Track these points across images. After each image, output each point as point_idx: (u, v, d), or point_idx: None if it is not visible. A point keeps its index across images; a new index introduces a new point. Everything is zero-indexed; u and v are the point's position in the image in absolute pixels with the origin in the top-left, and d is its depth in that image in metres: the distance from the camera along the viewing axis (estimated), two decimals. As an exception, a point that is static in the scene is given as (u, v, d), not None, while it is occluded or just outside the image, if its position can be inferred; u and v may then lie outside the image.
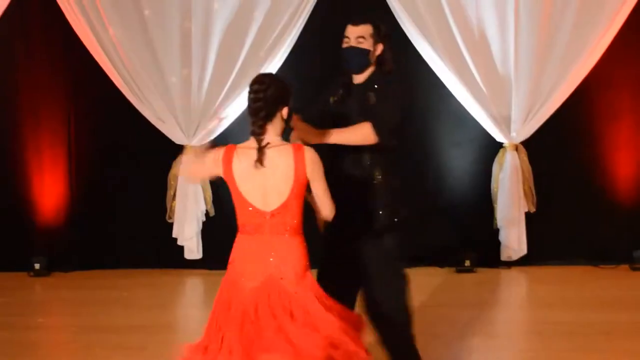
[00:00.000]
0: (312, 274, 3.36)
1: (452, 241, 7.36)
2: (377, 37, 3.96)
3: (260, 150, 3.24)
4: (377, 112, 3.80)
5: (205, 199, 7.45)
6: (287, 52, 7.29)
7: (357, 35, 3.92)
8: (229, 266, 3.41)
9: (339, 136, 3.78)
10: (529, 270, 7.30)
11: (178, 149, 7.43)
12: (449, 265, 7.35)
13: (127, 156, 7.56)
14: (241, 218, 3.35)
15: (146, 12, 7.29)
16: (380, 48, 3.97)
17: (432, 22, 7.19)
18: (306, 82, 7.43)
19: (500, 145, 7.37)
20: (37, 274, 7.42)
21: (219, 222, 7.51)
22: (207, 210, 7.48)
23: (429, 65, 7.26)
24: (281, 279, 3.25)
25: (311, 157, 3.28)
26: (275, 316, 3.18)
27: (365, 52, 3.92)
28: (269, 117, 3.29)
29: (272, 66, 7.27)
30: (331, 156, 3.87)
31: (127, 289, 6.95)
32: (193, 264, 7.51)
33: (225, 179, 3.32)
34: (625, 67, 7.39)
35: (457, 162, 7.50)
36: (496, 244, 7.37)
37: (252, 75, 7.49)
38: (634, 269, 7.27)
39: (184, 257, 7.48)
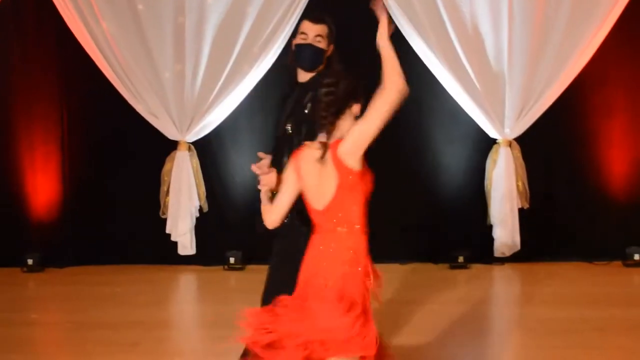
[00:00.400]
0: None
1: (446, 237, 7.37)
2: (331, 38, 3.95)
3: (326, 145, 3.20)
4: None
5: (198, 194, 7.44)
6: (281, 48, 7.27)
7: (316, 33, 3.90)
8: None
9: None
10: (523, 267, 7.31)
11: (172, 145, 7.42)
12: (443, 261, 7.36)
13: (121, 152, 7.54)
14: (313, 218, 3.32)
15: (140, 6, 7.27)
16: (330, 49, 3.96)
17: (426, 18, 7.19)
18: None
19: (493, 142, 7.38)
20: (31, 269, 7.40)
21: (213, 218, 7.51)
22: (200, 206, 7.47)
23: (423, 61, 7.26)
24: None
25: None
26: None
27: (321, 52, 3.90)
28: (340, 113, 3.24)
29: (266, 62, 7.26)
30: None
31: (120, 285, 6.94)
32: (187, 260, 7.50)
33: (299, 182, 3.32)
34: (619, 65, 7.40)
35: (451, 158, 7.51)
36: (490, 240, 7.37)
37: (245, 70, 7.57)
38: (627, 265, 7.29)
39: (178, 253, 7.47)
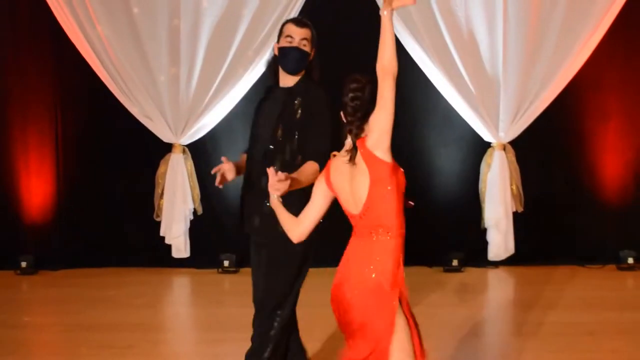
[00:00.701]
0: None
1: (440, 241, 7.38)
2: (314, 42, 3.93)
3: (355, 149, 3.18)
4: (312, 142, 3.76)
5: (193, 197, 7.43)
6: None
7: (302, 37, 3.87)
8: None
9: (301, 180, 3.58)
10: (516, 270, 7.32)
11: (166, 147, 7.42)
12: (437, 264, 7.37)
13: (115, 155, 7.53)
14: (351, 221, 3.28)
15: (135, 10, 7.27)
16: (313, 53, 3.93)
17: (421, 22, 7.21)
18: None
19: (488, 145, 7.39)
20: (24, 272, 7.39)
21: (207, 220, 7.50)
22: (195, 209, 7.47)
23: (418, 64, 7.27)
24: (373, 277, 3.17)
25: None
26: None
27: (307, 55, 3.89)
28: (366, 117, 3.21)
29: (261, 65, 7.26)
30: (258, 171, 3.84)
31: (114, 288, 6.93)
32: (181, 263, 7.50)
33: (331, 190, 3.30)
34: (613, 69, 7.42)
35: (445, 161, 7.52)
36: (484, 244, 7.39)
37: (240, 74, 7.58)
38: (621, 269, 7.30)
39: (172, 256, 7.46)
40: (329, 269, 3.49)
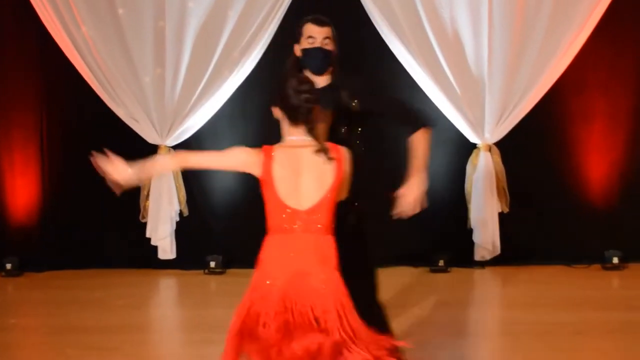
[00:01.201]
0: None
1: (426, 241, 7.39)
2: (335, 39, 3.90)
3: (325, 148, 3.27)
4: (400, 118, 3.88)
5: (179, 198, 7.41)
6: (262, 52, 7.28)
7: (324, 36, 3.84)
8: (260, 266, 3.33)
9: (425, 158, 3.83)
10: (503, 270, 7.34)
11: (152, 149, 7.39)
12: (423, 265, 7.38)
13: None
14: (275, 218, 3.29)
15: (120, 10, 7.24)
16: (336, 50, 3.91)
17: (406, 23, 7.21)
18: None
19: (473, 146, 7.41)
20: (9, 274, 7.34)
21: (193, 222, 7.48)
22: (181, 210, 7.45)
23: (403, 66, 7.28)
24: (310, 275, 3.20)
25: (348, 156, 3.35)
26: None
27: (331, 54, 3.86)
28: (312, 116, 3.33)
29: (246, 67, 7.26)
30: None
31: (100, 290, 6.89)
32: (167, 264, 7.47)
33: (263, 180, 3.29)
34: (598, 70, 7.46)
35: (431, 162, 7.46)
36: (470, 244, 7.40)
37: (226, 75, 7.55)
38: (606, 269, 7.34)
39: (158, 257, 7.44)
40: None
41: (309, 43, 3.83)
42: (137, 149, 7.35)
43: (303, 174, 3.25)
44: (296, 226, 3.24)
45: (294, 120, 3.29)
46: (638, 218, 7.49)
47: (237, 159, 3.37)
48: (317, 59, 3.83)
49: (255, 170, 3.28)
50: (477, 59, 7.32)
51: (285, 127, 3.35)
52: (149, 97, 7.34)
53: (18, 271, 7.38)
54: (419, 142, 3.82)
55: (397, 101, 3.99)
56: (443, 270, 7.31)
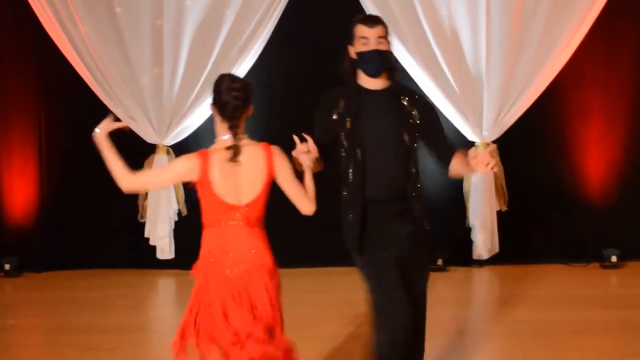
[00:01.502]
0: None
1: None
2: (388, 36, 3.76)
3: (237, 147, 3.41)
4: (443, 137, 3.87)
5: (177, 198, 7.41)
6: (259, 51, 7.28)
7: (377, 35, 3.68)
8: (205, 258, 3.57)
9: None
10: (501, 269, 7.35)
11: (150, 148, 7.39)
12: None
13: (99, 155, 7.47)
14: (213, 214, 3.49)
15: (117, 9, 7.23)
16: (390, 48, 3.79)
17: (405, 22, 7.21)
18: (280, 80, 7.44)
19: (472, 144, 7.41)
20: (7, 274, 7.33)
21: (192, 221, 7.46)
22: (179, 210, 7.44)
23: (401, 63, 7.28)
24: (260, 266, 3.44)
25: (280, 155, 3.49)
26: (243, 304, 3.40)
27: (387, 54, 3.71)
28: (243, 116, 3.48)
29: (244, 65, 7.26)
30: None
31: (98, 290, 6.89)
32: (165, 264, 7.47)
33: (200, 183, 3.46)
34: (595, 67, 7.46)
35: (429, 161, 7.50)
36: (468, 243, 7.40)
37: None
38: (605, 267, 7.34)
39: (156, 257, 7.44)
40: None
41: (362, 45, 3.70)
42: (136, 148, 7.37)
43: (239, 172, 3.40)
44: (233, 222, 3.43)
45: (222, 116, 3.46)
46: (636, 216, 7.49)
47: (178, 168, 3.56)
48: (373, 62, 3.69)
49: (194, 175, 3.46)
50: (475, 57, 7.32)
51: (218, 124, 3.51)
52: (147, 96, 7.33)
53: (17, 272, 7.37)
54: (462, 160, 3.75)
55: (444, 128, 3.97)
56: (442, 269, 7.30)
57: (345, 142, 3.70)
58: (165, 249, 7.43)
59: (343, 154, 3.71)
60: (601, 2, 7.24)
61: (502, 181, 7.37)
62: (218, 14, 7.23)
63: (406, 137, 3.69)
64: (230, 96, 3.44)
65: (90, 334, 5.60)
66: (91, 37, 7.20)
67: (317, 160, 3.59)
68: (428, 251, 3.87)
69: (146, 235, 7.40)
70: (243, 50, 7.24)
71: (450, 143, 3.87)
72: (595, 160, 7.51)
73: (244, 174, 3.41)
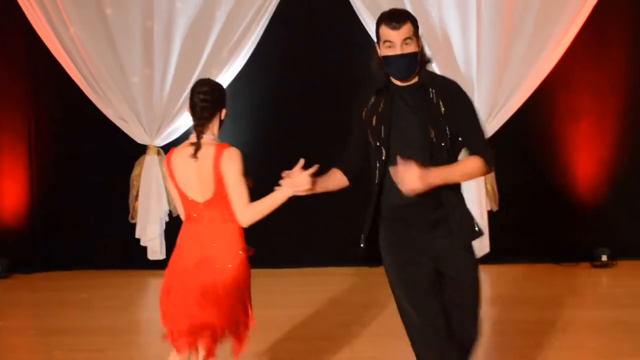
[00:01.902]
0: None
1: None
2: (417, 33, 3.50)
3: (198, 145, 3.61)
4: (472, 136, 3.49)
5: (168, 199, 7.39)
6: (250, 52, 7.28)
7: (403, 37, 3.41)
8: (175, 251, 3.78)
9: (453, 174, 3.40)
10: (492, 269, 7.34)
11: (141, 149, 7.38)
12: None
13: (89, 156, 7.48)
14: (184, 207, 3.72)
15: (108, 10, 7.23)
16: (420, 44, 3.51)
17: (396, 22, 7.22)
18: (271, 81, 7.44)
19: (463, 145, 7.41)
20: (-2, 276, 7.33)
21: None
22: (170, 210, 7.43)
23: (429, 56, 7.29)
24: (215, 260, 3.61)
25: (229, 157, 3.59)
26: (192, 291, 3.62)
27: (414, 56, 3.45)
28: (211, 117, 3.69)
29: (235, 67, 7.26)
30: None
31: (88, 291, 6.87)
32: (157, 265, 7.44)
33: (169, 176, 3.71)
34: (585, 69, 7.48)
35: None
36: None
37: (215, 75, 7.51)
38: (595, 267, 7.36)
39: (147, 258, 7.42)
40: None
41: (388, 49, 3.43)
42: (126, 148, 7.37)
43: (195, 170, 3.59)
44: (198, 216, 3.64)
45: (192, 116, 3.69)
46: (626, 215, 7.51)
47: (163, 171, 3.78)
48: (399, 66, 3.44)
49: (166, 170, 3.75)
50: (465, 58, 7.33)
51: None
52: (138, 97, 7.32)
53: (7, 273, 7.35)
54: (467, 161, 3.44)
55: (478, 120, 3.55)
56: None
57: (371, 140, 3.48)
58: (156, 249, 7.42)
59: (371, 153, 3.52)
60: (591, 3, 7.26)
61: (493, 181, 7.38)
62: (208, 15, 7.23)
63: (433, 133, 3.38)
64: (197, 98, 3.67)
65: (79, 336, 5.59)
66: (81, 38, 7.20)
67: (329, 179, 3.56)
68: (469, 263, 3.56)
69: (137, 236, 7.39)
70: (233, 51, 7.25)
71: (472, 142, 3.49)
72: (586, 159, 7.52)
73: (198, 172, 3.59)
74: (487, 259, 7.38)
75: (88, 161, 7.48)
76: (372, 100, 3.53)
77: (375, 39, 3.54)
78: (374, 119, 3.49)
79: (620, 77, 7.55)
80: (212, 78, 7.12)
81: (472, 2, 7.23)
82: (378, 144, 3.46)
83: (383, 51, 3.45)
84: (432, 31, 7.28)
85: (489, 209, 7.39)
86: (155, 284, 7.29)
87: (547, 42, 7.27)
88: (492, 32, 7.27)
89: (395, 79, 3.49)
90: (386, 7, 7.05)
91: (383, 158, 3.44)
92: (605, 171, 7.54)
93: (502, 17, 7.25)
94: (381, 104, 3.49)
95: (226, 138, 7.22)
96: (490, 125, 7.35)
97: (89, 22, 7.21)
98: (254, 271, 3.71)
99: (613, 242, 7.42)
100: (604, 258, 7.36)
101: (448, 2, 7.26)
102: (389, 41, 3.42)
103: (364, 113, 3.54)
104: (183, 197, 3.67)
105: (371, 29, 7.18)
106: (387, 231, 3.52)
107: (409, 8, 7.20)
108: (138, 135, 7.35)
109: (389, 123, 3.45)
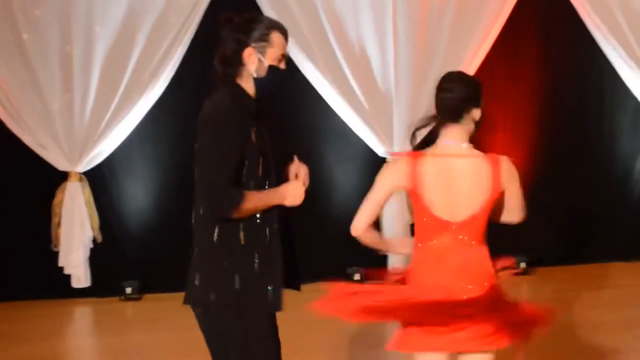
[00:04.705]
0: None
1: (340, 256, 7.45)
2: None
3: (460, 156, 3.24)
4: None
5: (92, 225, 7.30)
6: (172, 74, 7.27)
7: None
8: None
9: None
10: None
11: (62, 176, 7.27)
12: (338, 279, 7.40)
13: (8, 185, 7.32)
14: (424, 228, 3.30)
15: (25, 35, 7.11)
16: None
17: (315, 41, 7.34)
18: (193, 102, 7.42)
19: (384, 160, 7.55)
20: None
21: (108, 248, 7.37)
22: (94, 237, 7.33)
23: (312, 83, 7.40)
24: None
25: (508, 167, 3.34)
26: None
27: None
28: (459, 118, 3.25)
29: (157, 89, 7.24)
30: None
31: (12, 322, 6.71)
32: (82, 292, 7.34)
33: (411, 189, 3.28)
34: (498, 82, 7.72)
35: (343, 177, 7.64)
36: (383, 256, 7.51)
37: (136, 98, 7.47)
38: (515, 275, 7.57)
39: (72, 286, 7.30)
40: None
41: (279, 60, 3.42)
42: (46, 176, 7.25)
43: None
44: None
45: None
46: (543, 224, 7.75)
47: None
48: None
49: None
50: (383, 73, 7.50)
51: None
52: (58, 122, 7.21)
53: None
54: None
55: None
56: (359, 283, 7.40)
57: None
58: (80, 277, 7.29)
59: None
60: (503, 17, 7.54)
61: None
62: (128, 38, 7.19)
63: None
64: (439, 97, 3.31)
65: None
66: (-2, 64, 7.07)
67: None
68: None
69: (60, 264, 7.26)
70: (155, 73, 7.22)
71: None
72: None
73: (462, 187, 3.29)
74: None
75: (7, 190, 7.31)
76: (250, 112, 3.34)
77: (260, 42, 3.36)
78: (254, 133, 3.31)
79: (534, 89, 7.83)
80: (134, 102, 7.23)
81: (389, 19, 7.40)
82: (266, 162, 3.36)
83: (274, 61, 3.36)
84: (350, 49, 7.42)
85: (411, 222, 7.51)
86: (80, 312, 7.19)
87: (462, 56, 7.50)
88: (409, 48, 7.46)
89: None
90: (304, 25, 7.29)
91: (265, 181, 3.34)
92: (521, 180, 7.75)
93: (418, 33, 7.45)
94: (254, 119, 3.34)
95: (150, 162, 7.27)
96: (407, 142, 7.49)
97: (5, 47, 7.07)
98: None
99: (531, 250, 7.66)
100: (522, 265, 7.58)
101: (365, 19, 7.42)
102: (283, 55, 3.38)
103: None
104: (429, 214, 3.28)
105: (291, 49, 7.23)
106: None
107: (326, 26, 7.35)
108: (59, 162, 7.24)
109: (263, 140, 3.37)
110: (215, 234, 3.16)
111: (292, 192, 3.31)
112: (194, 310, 3.25)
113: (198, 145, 3.22)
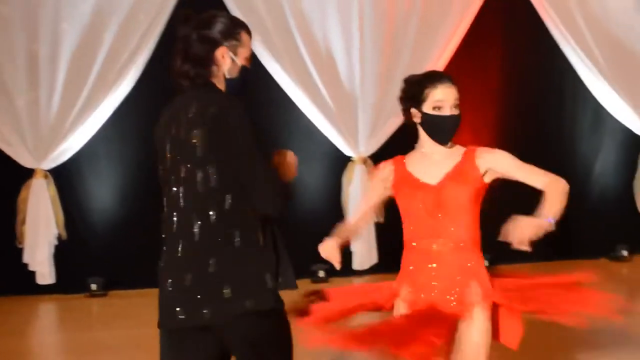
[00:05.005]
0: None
1: (306, 254, 7.50)
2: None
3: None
4: None
5: (57, 222, 7.29)
6: (138, 74, 7.29)
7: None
8: None
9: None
10: (380, 277, 7.46)
11: (27, 173, 7.26)
12: (304, 276, 7.49)
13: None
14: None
15: (-10, 34, 7.10)
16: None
17: (281, 42, 7.41)
18: (158, 104, 7.43)
19: (349, 159, 7.64)
20: None
21: (73, 245, 7.38)
22: (59, 234, 7.33)
23: (279, 84, 7.47)
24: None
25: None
26: None
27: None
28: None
29: (122, 88, 7.25)
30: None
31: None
32: (47, 289, 7.33)
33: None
34: (462, 86, 7.81)
35: (309, 177, 7.70)
36: (348, 254, 7.59)
37: (102, 97, 7.45)
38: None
39: (36, 283, 7.29)
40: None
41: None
42: (11, 173, 7.23)
43: None
44: None
45: None
46: (500, 225, 7.87)
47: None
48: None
49: None
50: (349, 74, 7.59)
51: None
52: (23, 119, 7.20)
53: None
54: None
55: None
56: (324, 280, 7.49)
57: None
58: (45, 273, 7.29)
59: None
60: (467, 22, 7.66)
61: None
62: (96, 36, 7.19)
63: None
64: None
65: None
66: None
67: None
68: None
69: (25, 261, 7.25)
70: (121, 73, 7.23)
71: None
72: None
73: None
74: (375, 269, 7.62)
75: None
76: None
77: None
78: None
79: (495, 92, 7.95)
80: (100, 100, 7.24)
81: (355, 20, 7.48)
82: None
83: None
84: (316, 49, 7.50)
85: (377, 221, 7.59)
86: (45, 308, 7.19)
87: (427, 59, 7.60)
88: (375, 49, 7.55)
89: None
90: (271, 26, 7.34)
91: None
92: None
93: (384, 34, 7.55)
94: None
95: (116, 161, 7.28)
96: (376, 139, 7.61)
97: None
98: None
99: (493, 250, 7.76)
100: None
101: (332, 20, 7.50)
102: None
103: None
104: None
105: (255, 46, 7.31)
106: None
107: (292, 27, 7.41)
108: (24, 158, 7.23)
109: None
110: (237, 239, 2.98)
111: (290, 160, 3.33)
112: (217, 328, 2.94)
113: (212, 144, 3.01)
